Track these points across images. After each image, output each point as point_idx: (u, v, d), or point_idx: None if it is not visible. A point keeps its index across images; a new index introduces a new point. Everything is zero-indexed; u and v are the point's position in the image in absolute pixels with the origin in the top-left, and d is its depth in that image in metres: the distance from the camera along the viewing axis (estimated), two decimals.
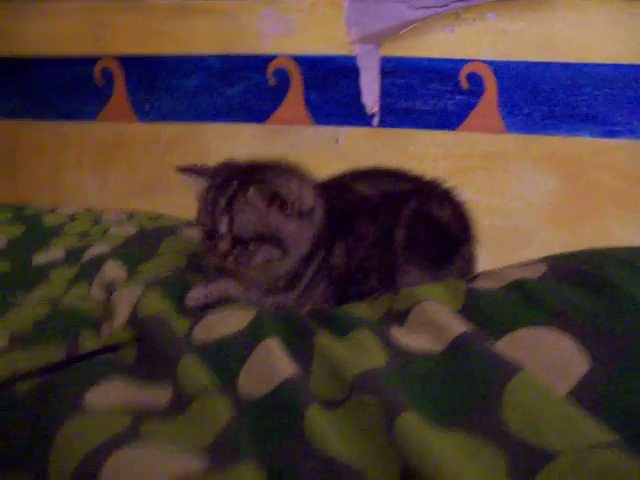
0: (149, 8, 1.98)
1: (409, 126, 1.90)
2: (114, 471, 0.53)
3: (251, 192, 0.88)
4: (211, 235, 0.91)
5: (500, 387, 0.57)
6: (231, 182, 0.91)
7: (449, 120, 1.88)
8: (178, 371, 0.67)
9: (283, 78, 1.94)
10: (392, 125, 1.91)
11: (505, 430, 0.53)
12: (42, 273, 1.07)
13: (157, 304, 0.84)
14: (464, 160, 1.86)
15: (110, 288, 0.93)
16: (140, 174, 2.02)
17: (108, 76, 2.03)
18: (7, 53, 2.07)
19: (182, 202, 1.65)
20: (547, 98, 1.82)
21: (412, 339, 0.70)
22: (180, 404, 0.63)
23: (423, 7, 1.83)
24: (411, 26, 1.84)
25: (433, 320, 0.72)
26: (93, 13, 2.01)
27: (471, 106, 1.86)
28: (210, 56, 1.97)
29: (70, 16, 2.02)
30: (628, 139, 1.78)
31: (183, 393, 0.64)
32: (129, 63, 2.01)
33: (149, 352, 0.73)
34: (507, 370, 0.59)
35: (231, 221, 0.89)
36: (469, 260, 1.06)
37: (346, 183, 1.04)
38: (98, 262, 1.02)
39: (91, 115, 2.04)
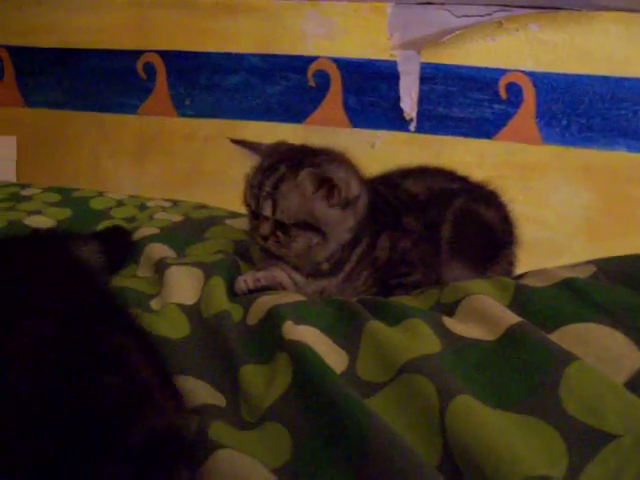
0: (194, 5, 2.02)
1: (446, 133, 1.92)
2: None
3: (302, 175, 0.89)
4: (255, 215, 0.94)
5: (558, 373, 0.58)
6: (279, 165, 0.92)
7: (486, 129, 1.89)
8: (238, 379, 0.68)
9: (323, 80, 1.97)
10: (429, 131, 1.93)
11: (564, 412, 0.55)
12: None
13: (222, 297, 0.85)
14: (499, 169, 1.87)
15: (159, 266, 0.95)
16: (177, 167, 2.05)
17: (150, 70, 2.07)
18: (53, 44, 2.12)
19: (218, 197, 1.70)
20: (585, 111, 1.83)
21: (464, 328, 0.71)
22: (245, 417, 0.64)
23: (466, 15, 1.84)
24: (453, 34, 1.86)
25: (484, 312, 0.73)
26: (139, 8, 2.06)
27: (509, 116, 1.87)
28: (252, 55, 2.01)
29: (117, 11, 2.07)
30: None
31: (249, 404, 0.65)
32: (171, 58, 2.05)
33: (213, 352, 0.74)
34: (564, 357, 0.60)
35: (275, 205, 0.91)
36: (512, 263, 1.07)
37: (395, 179, 1.06)
38: (145, 243, 1.05)
39: (132, 108, 2.08)
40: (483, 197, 1.07)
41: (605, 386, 0.56)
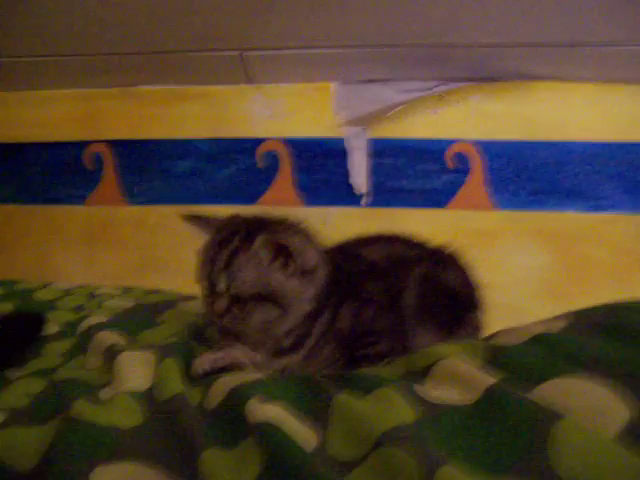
0: (140, 94, 2.02)
1: (398, 205, 1.92)
2: None
3: (257, 244, 0.86)
4: (210, 292, 0.89)
5: (544, 433, 0.54)
6: (233, 238, 0.89)
7: (437, 199, 1.91)
8: (199, 467, 0.62)
9: (272, 160, 1.97)
10: (381, 205, 1.93)
11: (556, 474, 0.50)
12: (36, 348, 1.03)
13: (176, 380, 0.79)
14: (453, 237, 1.86)
15: (109, 354, 0.89)
16: (128, 257, 1.99)
17: (98, 160, 2.04)
18: None
19: (170, 283, 1.65)
20: (532, 175, 1.86)
21: (439, 393, 0.67)
22: None
23: (407, 91, 1.89)
24: (397, 109, 1.90)
25: (458, 374, 0.69)
26: (85, 99, 2.05)
27: (458, 184, 1.90)
28: (200, 140, 2.00)
29: (62, 102, 2.06)
30: (613, 213, 1.82)
31: None
32: (119, 147, 2.03)
33: (169, 438, 0.67)
34: (549, 416, 0.56)
35: (230, 278, 0.86)
36: (477, 326, 1.04)
37: (353, 247, 1.04)
38: (94, 332, 0.99)
39: (80, 199, 2.04)
40: (443, 261, 1.05)
41: (595, 444, 0.52)
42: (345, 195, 1.94)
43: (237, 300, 0.87)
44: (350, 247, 1.05)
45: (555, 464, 0.52)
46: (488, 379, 0.65)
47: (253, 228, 0.90)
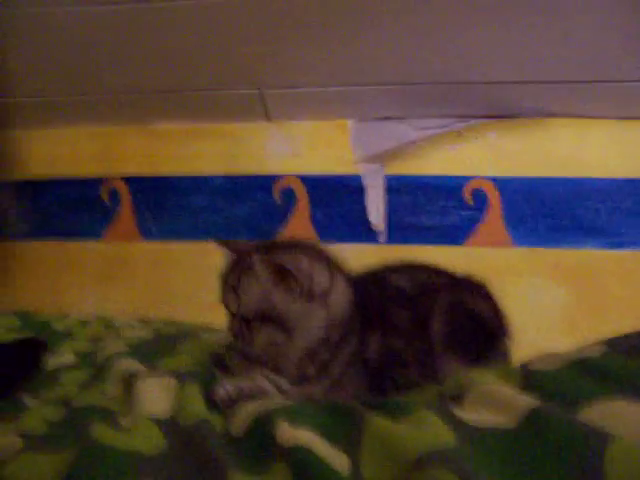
0: (157, 132, 2.04)
1: (415, 242, 1.90)
2: None
3: (254, 263, 0.87)
4: (228, 314, 0.91)
5: (598, 456, 0.51)
6: (244, 258, 0.90)
7: (455, 235, 1.89)
8: None
9: (289, 197, 1.97)
10: (398, 241, 1.91)
11: None
12: (53, 376, 1.01)
13: (199, 405, 0.77)
14: (472, 274, 1.85)
15: (128, 381, 0.87)
16: (144, 293, 1.97)
17: (115, 196, 2.04)
18: (17, 177, 2.09)
19: (186, 320, 1.62)
20: (551, 211, 1.85)
21: (478, 417, 0.64)
22: None
23: (424, 128, 1.90)
24: (414, 145, 1.90)
25: (496, 398, 0.66)
26: (102, 137, 2.06)
27: (476, 221, 1.88)
28: (216, 176, 2.00)
29: (80, 140, 2.07)
30: (631, 249, 1.80)
31: None
32: (136, 183, 2.04)
33: (193, 464, 0.64)
34: (601, 438, 0.52)
35: (237, 298, 0.88)
36: (507, 353, 1.01)
37: (380, 275, 1.02)
38: (113, 361, 0.96)
39: (96, 234, 2.03)
40: (471, 289, 1.03)
41: None
42: (362, 232, 1.93)
43: (246, 320, 0.87)
44: (377, 274, 1.04)
45: None
46: (530, 401, 0.62)
47: (264, 249, 0.90)
